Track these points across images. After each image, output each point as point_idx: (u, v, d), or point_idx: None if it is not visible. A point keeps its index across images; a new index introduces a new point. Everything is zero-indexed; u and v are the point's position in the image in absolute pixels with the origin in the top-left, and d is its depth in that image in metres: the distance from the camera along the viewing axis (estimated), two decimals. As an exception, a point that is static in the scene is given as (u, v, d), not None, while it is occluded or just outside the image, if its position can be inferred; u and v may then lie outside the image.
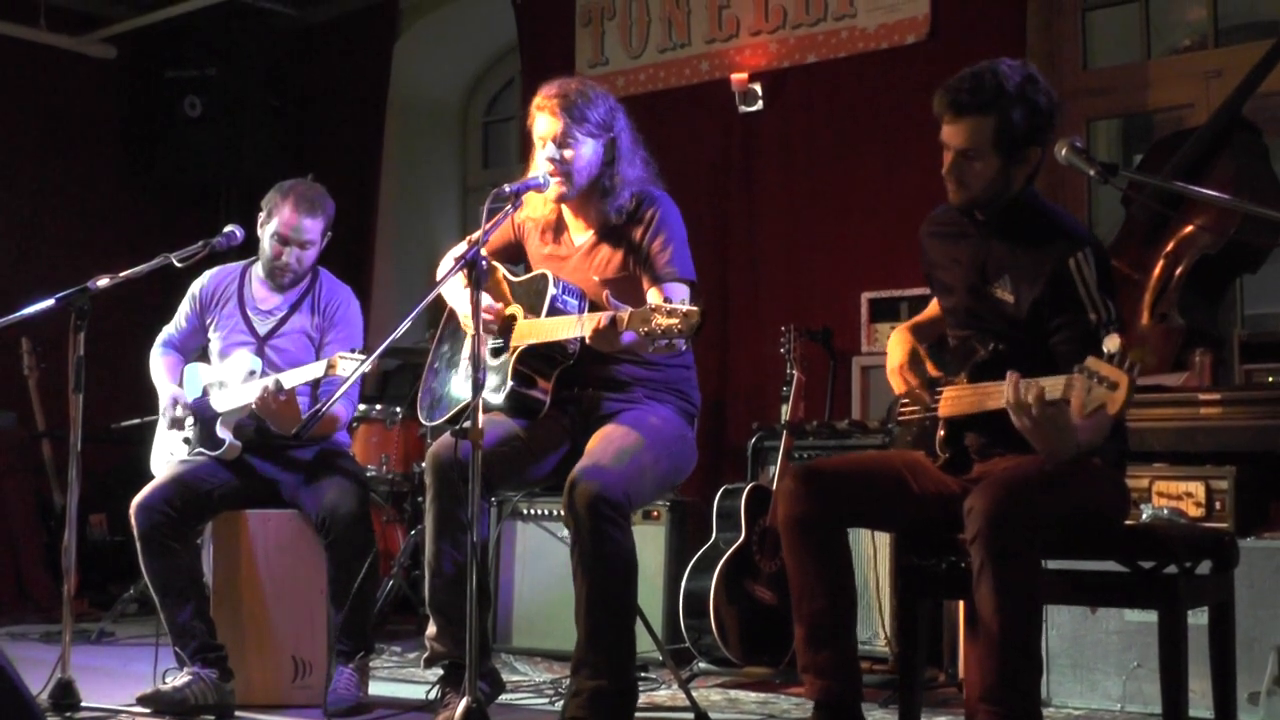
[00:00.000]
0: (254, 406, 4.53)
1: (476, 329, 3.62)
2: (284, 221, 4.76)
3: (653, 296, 3.66)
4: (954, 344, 3.63)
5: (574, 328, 3.78)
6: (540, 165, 4.05)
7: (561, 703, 4.27)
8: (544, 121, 4.05)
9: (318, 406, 4.27)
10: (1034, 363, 3.24)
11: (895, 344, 3.69)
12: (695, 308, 3.43)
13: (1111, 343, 2.97)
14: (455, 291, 4.25)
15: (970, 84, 3.41)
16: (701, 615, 5.06)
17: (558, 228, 4.22)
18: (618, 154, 4.08)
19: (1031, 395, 3.11)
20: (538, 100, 4.09)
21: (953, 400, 3.50)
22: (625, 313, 3.54)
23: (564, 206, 4.18)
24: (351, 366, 4.22)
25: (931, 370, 3.62)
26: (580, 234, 4.18)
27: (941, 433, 3.52)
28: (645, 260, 4.00)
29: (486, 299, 4.08)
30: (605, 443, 3.88)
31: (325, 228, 4.84)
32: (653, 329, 3.43)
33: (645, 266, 4.00)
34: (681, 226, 4.08)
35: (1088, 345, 3.15)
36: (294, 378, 4.53)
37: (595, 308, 3.89)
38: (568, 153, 4.02)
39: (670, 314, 3.42)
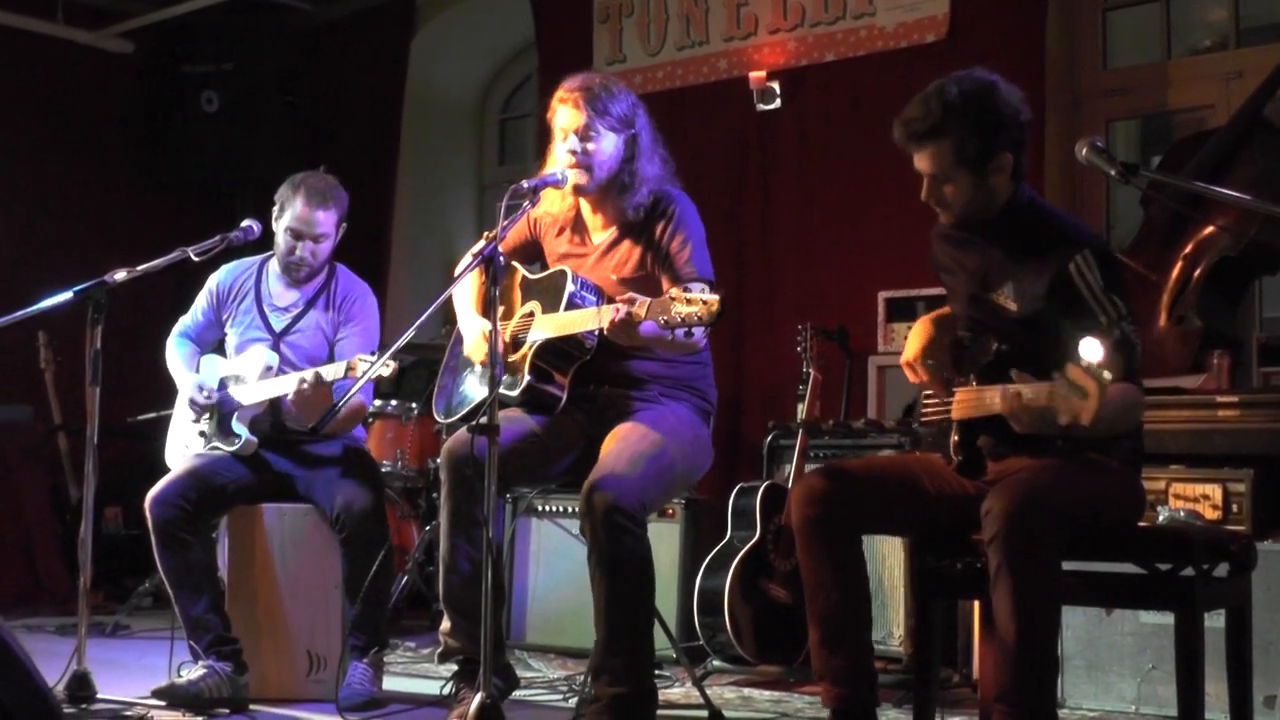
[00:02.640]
0: (290, 397, 4.52)
1: (493, 323, 3.62)
2: (296, 215, 4.76)
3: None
4: (966, 343, 3.63)
5: (592, 320, 3.77)
6: (560, 158, 4.04)
7: (575, 700, 4.27)
8: (566, 114, 4.04)
9: (335, 402, 4.27)
10: (1039, 362, 3.25)
11: (915, 334, 3.69)
12: (715, 296, 3.41)
13: (1089, 349, 2.96)
14: (461, 298, 4.25)
15: (920, 112, 3.47)
16: (716, 613, 5.05)
17: (575, 226, 4.21)
18: (638, 150, 4.06)
19: (1018, 405, 3.16)
20: (560, 93, 4.07)
21: (962, 403, 3.50)
22: (643, 302, 3.53)
23: (582, 204, 4.17)
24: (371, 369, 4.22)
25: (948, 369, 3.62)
26: (599, 233, 4.17)
27: (955, 437, 3.51)
28: (664, 259, 3.99)
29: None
30: (621, 446, 3.87)
31: (339, 219, 4.83)
32: (671, 318, 3.41)
33: (664, 265, 3.99)
34: (700, 226, 4.06)
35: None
36: (326, 373, 4.52)
37: (613, 305, 3.89)
38: (589, 145, 4.00)
39: (689, 302, 3.40)
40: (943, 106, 3.43)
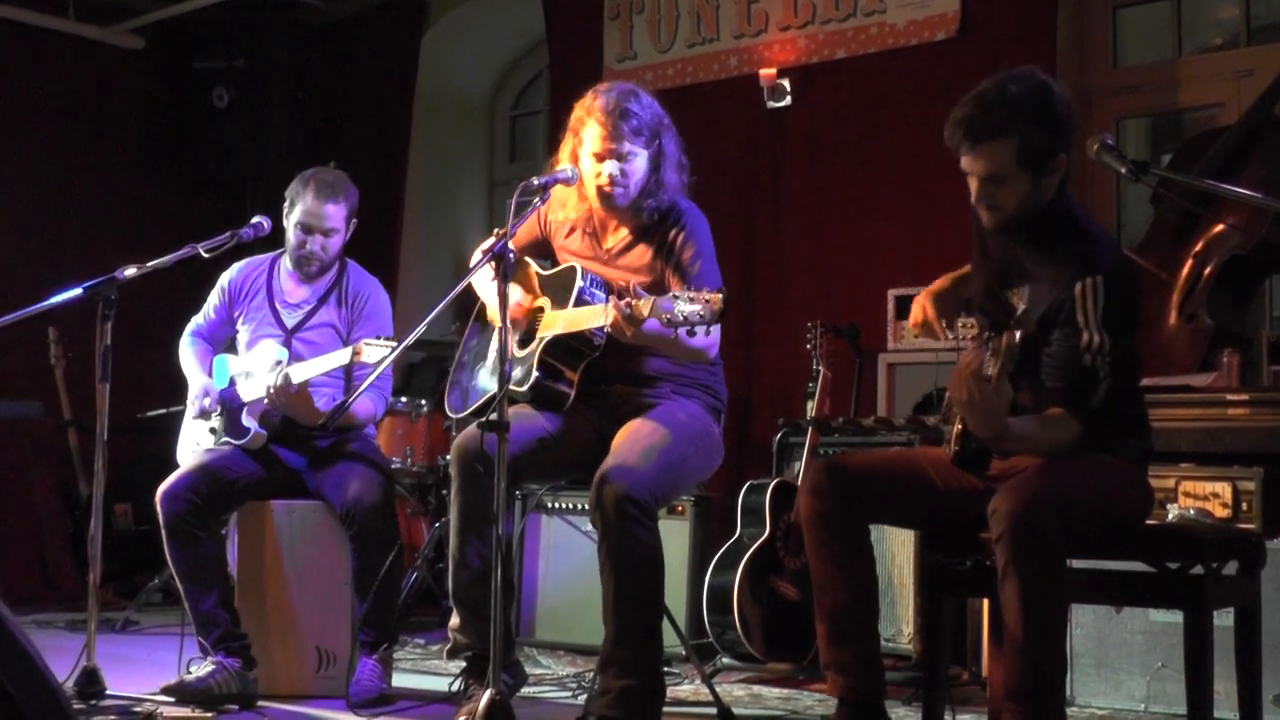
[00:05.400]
0: (265, 401, 4.55)
1: (503, 322, 3.62)
2: (306, 209, 4.77)
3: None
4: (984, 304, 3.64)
5: (599, 316, 3.77)
6: (589, 175, 4.02)
7: (584, 697, 4.27)
8: (599, 134, 3.99)
9: (345, 399, 4.27)
10: (1026, 373, 3.31)
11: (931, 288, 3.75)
12: (718, 294, 3.41)
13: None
14: (485, 284, 4.25)
15: (980, 110, 3.37)
16: (725, 611, 5.05)
17: (588, 229, 4.20)
18: (663, 160, 4.06)
19: (973, 365, 3.13)
20: (596, 114, 4.01)
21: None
22: (648, 299, 3.53)
23: (596, 208, 4.16)
24: (377, 353, 4.23)
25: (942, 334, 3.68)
26: (610, 238, 4.17)
27: (958, 426, 3.50)
28: (675, 266, 3.98)
29: (517, 292, 4.07)
30: (632, 440, 3.87)
31: (349, 214, 4.85)
32: (675, 316, 3.42)
33: (675, 272, 3.98)
34: (710, 240, 4.05)
35: (1070, 364, 3.27)
36: (308, 370, 4.54)
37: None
38: (626, 166, 4.00)
39: (693, 300, 3.41)
40: (1006, 103, 3.35)
